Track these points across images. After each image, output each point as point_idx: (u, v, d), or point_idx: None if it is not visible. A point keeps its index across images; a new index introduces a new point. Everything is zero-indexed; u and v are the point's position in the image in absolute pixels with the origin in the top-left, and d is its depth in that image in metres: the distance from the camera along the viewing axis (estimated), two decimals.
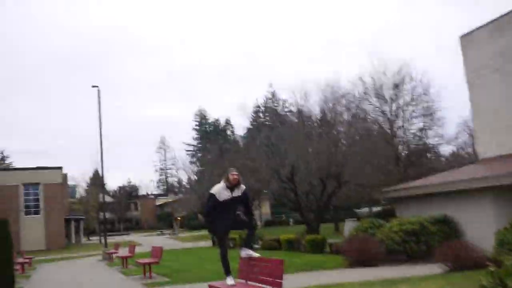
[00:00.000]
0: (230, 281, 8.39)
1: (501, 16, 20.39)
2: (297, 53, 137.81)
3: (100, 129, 31.59)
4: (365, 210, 65.47)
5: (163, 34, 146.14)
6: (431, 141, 41.87)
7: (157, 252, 16.79)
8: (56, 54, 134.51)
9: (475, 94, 21.60)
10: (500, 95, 20.45)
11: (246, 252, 8.74)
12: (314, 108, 24.57)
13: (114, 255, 26.19)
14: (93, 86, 31.94)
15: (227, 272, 8.54)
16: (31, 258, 29.21)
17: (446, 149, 48.58)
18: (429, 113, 39.87)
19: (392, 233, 16.62)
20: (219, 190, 8.60)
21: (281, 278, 7.20)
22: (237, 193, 8.75)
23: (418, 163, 39.36)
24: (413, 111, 39.90)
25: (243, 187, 8.98)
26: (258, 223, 58.13)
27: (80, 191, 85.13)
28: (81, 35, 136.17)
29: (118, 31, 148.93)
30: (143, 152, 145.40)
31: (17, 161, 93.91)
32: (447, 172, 24.54)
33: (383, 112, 37.42)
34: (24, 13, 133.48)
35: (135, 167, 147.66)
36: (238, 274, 9.00)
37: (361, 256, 15.76)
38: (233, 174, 8.70)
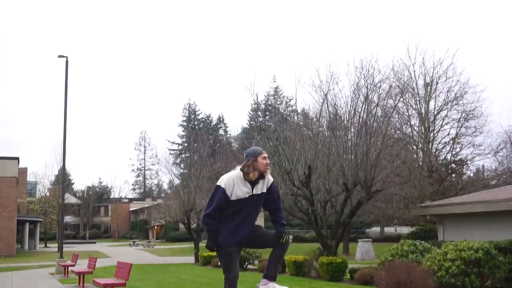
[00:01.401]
0: None
1: None
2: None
3: (65, 108, 28.41)
4: (375, 230, 63.27)
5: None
6: (464, 152, 39.56)
7: (124, 270, 13.96)
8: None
9: None
10: None
11: (267, 286, 5.90)
12: (343, 93, 21.79)
13: (70, 269, 23.33)
14: (60, 56, 28.94)
15: None
16: None
17: (482, 163, 46.03)
18: (464, 119, 37.61)
19: (447, 261, 13.93)
20: (233, 182, 5.74)
21: None
22: (261, 188, 5.88)
23: (453, 178, 37.09)
24: (446, 115, 37.75)
25: (270, 178, 6.06)
26: None
27: (41, 190, 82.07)
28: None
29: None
30: (119, 148, 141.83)
31: None
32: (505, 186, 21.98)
33: (419, 113, 34.96)
34: None
35: (108, 166, 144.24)
36: None
37: None
38: (265, 158, 5.88)
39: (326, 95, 21.01)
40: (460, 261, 13.75)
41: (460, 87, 37.10)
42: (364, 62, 22.59)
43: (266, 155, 5.93)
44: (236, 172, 5.88)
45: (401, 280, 13.10)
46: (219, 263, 6.21)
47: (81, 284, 18.56)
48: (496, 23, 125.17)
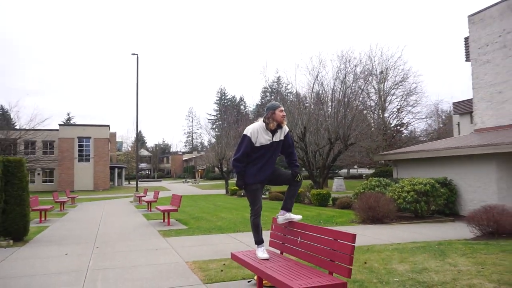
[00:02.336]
0: (262, 254, 4.52)
1: None
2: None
3: (137, 94, 27.29)
4: (343, 171, 62.40)
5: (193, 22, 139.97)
6: (407, 118, 38.29)
7: (177, 200, 13.01)
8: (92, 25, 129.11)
9: (478, 69, 17.51)
10: (503, 70, 16.41)
11: (285, 217, 4.89)
12: (329, 76, 20.59)
13: (142, 199, 22.60)
14: (133, 54, 27.64)
15: (259, 242, 4.72)
16: (74, 197, 25.77)
17: (418, 125, 44.60)
18: (407, 95, 36.15)
19: (404, 192, 12.79)
20: (257, 131, 4.74)
21: (351, 263, 3.36)
22: (279, 136, 4.88)
23: (398, 137, 35.69)
24: (394, 93, 36.41)
25: (286, 128, 5.00)
26: None
27: (125, 147, 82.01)
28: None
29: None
30: (175, 118, 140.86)
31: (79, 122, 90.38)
32: (444, 140, 20.60)
33: (376, 91, 33.30)
34: None
35: (169, 130, 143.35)
36: (270, 243, 5.11)
37: (373, 213, 11.99)
38: (282, 111, 4.82)
39: (317, 76, 19.62)
40: (413, 192, 12.60)
41: (404, 73, 35.73)
42: (344, 53, 21.19)
43: (282, 108, 4.86)
44: (259, 123, 4.80)
45: (371, 205, 12.01)
46: (246, 198, 4.98)
47: (149, 209, 17.77)
48: (432, 27, 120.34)
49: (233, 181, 56.86)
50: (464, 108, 37.87)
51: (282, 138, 4.88)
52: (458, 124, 38.74)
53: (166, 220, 12.40)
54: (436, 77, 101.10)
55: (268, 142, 4.75)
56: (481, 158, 13.96)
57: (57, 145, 46.53)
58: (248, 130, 4.77)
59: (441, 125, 43.09)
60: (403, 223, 12.01)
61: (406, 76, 35.86)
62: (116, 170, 56.99)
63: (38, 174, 46.71)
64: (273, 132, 4.78)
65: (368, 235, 9.59)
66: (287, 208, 4.94)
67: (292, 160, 5.01)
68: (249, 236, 9.55)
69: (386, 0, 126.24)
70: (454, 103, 39.74)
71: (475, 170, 14.19)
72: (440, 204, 13.15)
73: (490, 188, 13.76)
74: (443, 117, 46.89)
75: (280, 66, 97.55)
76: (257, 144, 4.72)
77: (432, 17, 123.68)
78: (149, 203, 17.83)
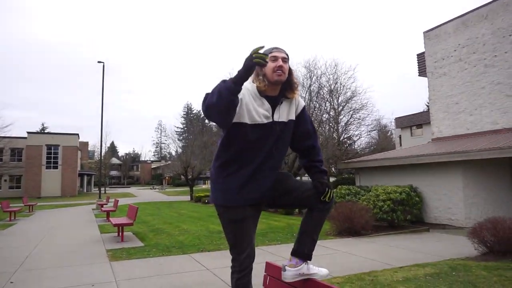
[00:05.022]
0: None
1: (467, 13, 14.69)
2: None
3: (102, 104, 23.69)
4: (304, 178, 60.54)
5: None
6: (357, 131, 37.01)
7: (132, 212, 9.90)
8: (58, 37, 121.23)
9: (435, 82, 15.87)
10: (459, 82, 14.81)
11: (299, 270, 1.99)
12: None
13: (103, 207, 19.01)
14: (99, 62, 24.05)
15: None
16: (33, 204, 21.59)
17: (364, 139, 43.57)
18: (355, 110, 34.93)
19: (380, 201, 10.47)
20: (244, 91, 1.85)
21: None
22: (287, 114, 1.96)
23: (350, 148, 34.19)
24: (344, 107, 35.09)
25: (301, 101, 2.04)
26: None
27: (97, 156, 76.22)
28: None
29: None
30: (146, 130, 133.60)
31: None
32: (406, 148, 18.84)
33: (331, 103, 31.57)
34: None
35: (139, 140, 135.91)
36: None
37: (350, 224, 9.55)
38: (277, 58, 1.85)
39: None
40: (390, 201, 10.33)
41: (355, 89, 34.47)
42: (308, 64, 18.95)
43: (278, 54, 1.93)
44: (248, 85, 1.95)
45: (348, 216, 9.58)
46: (224, 233, 1.94)
47: (107, 219, 14.41)
48: (383, 49, 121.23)
49: (198, 187, 53.48)
50: (405, 122, 37.22)
51: (292, 117, 2.10)
52: (400, 137, 38.02)
53: (121, 233, 9.28)
54: (385, 92, 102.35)
55: (265, 121, 1.99)
56: (446, 166, 12.09)
57: (25, 152, 41.30)
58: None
59: (381, 138, 42.20)
60: (381, 234, 9.67)
61: (356, 92, 34.65)
62: (86, 177, 51.87)
63: (5, 180, 41.25)
64: (273, 102, 2.02)
65: (355, 253, 7.09)
66: (303, 253, 2.16)
67: (314, 161, 2.25)
68: (216, 258, 6.72)
69: (344, 17, 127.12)
70: (396, 118, 39.09)
71: (440, 178, 12.28)
72: (415, 213, 10.99)
73: (456, 196, 11.88)
74: (385, 130, 46.31)
75: None
76: (246, 120, 1.95)
77: (384, 36, 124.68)
78: (108, 212, 14.47)
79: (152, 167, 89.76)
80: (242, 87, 1.88)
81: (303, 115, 2.16)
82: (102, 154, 71.58)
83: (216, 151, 2.19)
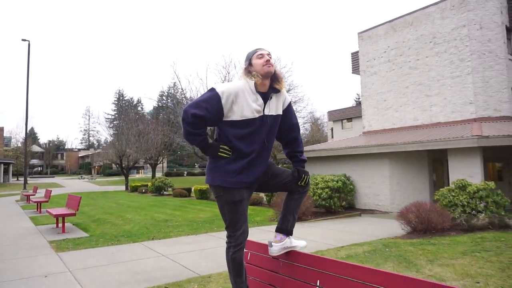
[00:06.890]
0: None
1: (396, 18, 16.19)
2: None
3: (27, 84, 21.53)
4: None
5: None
6: None
7: (75, 202, 9.43)
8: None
9: (367, 79, 17.29)
10: (388, 81, 16.35)
11: (283, 244, 2.43)
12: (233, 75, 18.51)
13: (31, 198, 17.57)
14: (23, 40, 21.79)
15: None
16: None
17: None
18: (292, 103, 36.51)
19: (319, 189, 11.32)
20: (238, 90, 2.15)
21: None
22: (275, 108, 2.29)
23: None
24: None
25: (287, 96, 2.41)
26: (159, 174, 49.18)
27: (14, 143, 68.89)
28: None
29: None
30: (71, 116, 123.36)
31: None
32: (341, 140, 20.17)
33: None
34: None
35: (64, 127, 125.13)
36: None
37: None
38: (263, 56, 2.23)
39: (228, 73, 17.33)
40: (328, 189, 11.23)
41: (292, 81, 35.88)
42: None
43: (263, 51, 2.30)
44: (242, 82, 2.27)
45: None
46: (220, 212, 2.23)
47: (38, 210, 13.44)
48: (320, 47, 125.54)
49: (133, 177, 51.25)
50: (337, 116, 39.66)
51: (280, 112, 2.42)
52: (332, 130, 40.47)
53: (61, 225, 8.83)
54: (320, 87, 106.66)
55: (257, 115, 2.27)
56: (375, 157, 13.42)
57: None
58: (221, 87, 2.22)
59: (314, 131, 44.53)
60: (320, 219, 10.51)
61: (293, 85, 36.02)
62: (2, 166, 46.80)
63: None
64: (265, 97, 2.31)
65: (301, 237, 7.70)
66: (286, 229, 2.57)
67: (296, 151, 2.62)
68: (169, 245, 6.85)
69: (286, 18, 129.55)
70: (328, 112, 41.43)
71: (370, 168, 13.61)
72: (349, 200, 12.07)
73: (383, 184, 13.27)
74: (318, 123, 48.82)
75: (187, 71, 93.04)
76: (238, 117, 2.23)
77: (320, 34, 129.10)
78: (39, 203, 13.50)
79: (79, 155, 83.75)
80: (235, 86, 2.23)
81: (289, 110, 2.51)
82: (23, 141, 65.35)
83: (214, 140, 2.43)
